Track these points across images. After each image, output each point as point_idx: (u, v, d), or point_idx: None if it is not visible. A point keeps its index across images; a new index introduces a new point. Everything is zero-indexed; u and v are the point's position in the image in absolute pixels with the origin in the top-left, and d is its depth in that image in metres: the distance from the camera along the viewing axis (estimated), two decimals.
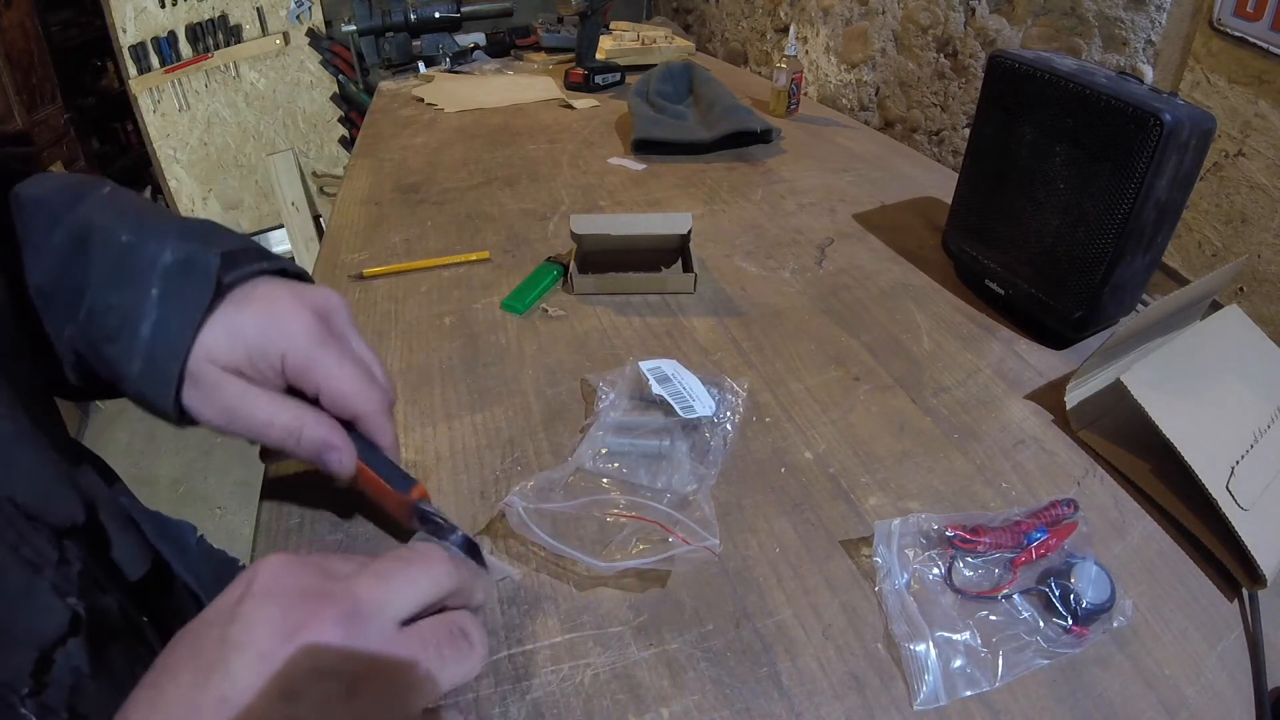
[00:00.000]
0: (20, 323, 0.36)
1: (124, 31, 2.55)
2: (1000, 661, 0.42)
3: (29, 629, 0.27)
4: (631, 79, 1.45)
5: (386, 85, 1.55)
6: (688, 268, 0.79)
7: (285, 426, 0.38)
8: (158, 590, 0.39)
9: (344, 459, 0.39)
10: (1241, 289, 1.14)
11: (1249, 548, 0.47)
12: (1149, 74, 1.22)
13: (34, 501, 0.30)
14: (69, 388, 0.39)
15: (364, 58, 1.69)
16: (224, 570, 0.49)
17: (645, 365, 0.60)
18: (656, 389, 0.58)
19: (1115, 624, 0.44)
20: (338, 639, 0.26)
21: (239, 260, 0.38)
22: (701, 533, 0.47)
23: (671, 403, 0.57)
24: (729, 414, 0.59)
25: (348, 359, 0.39)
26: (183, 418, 0.38)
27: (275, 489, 0.52)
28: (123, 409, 2.29)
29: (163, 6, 2.55)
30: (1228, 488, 0.49)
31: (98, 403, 2.34)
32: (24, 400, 0.33)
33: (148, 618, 0.37)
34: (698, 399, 0.57)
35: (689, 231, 0.77)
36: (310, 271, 0.52)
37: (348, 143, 2.88)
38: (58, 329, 0.36)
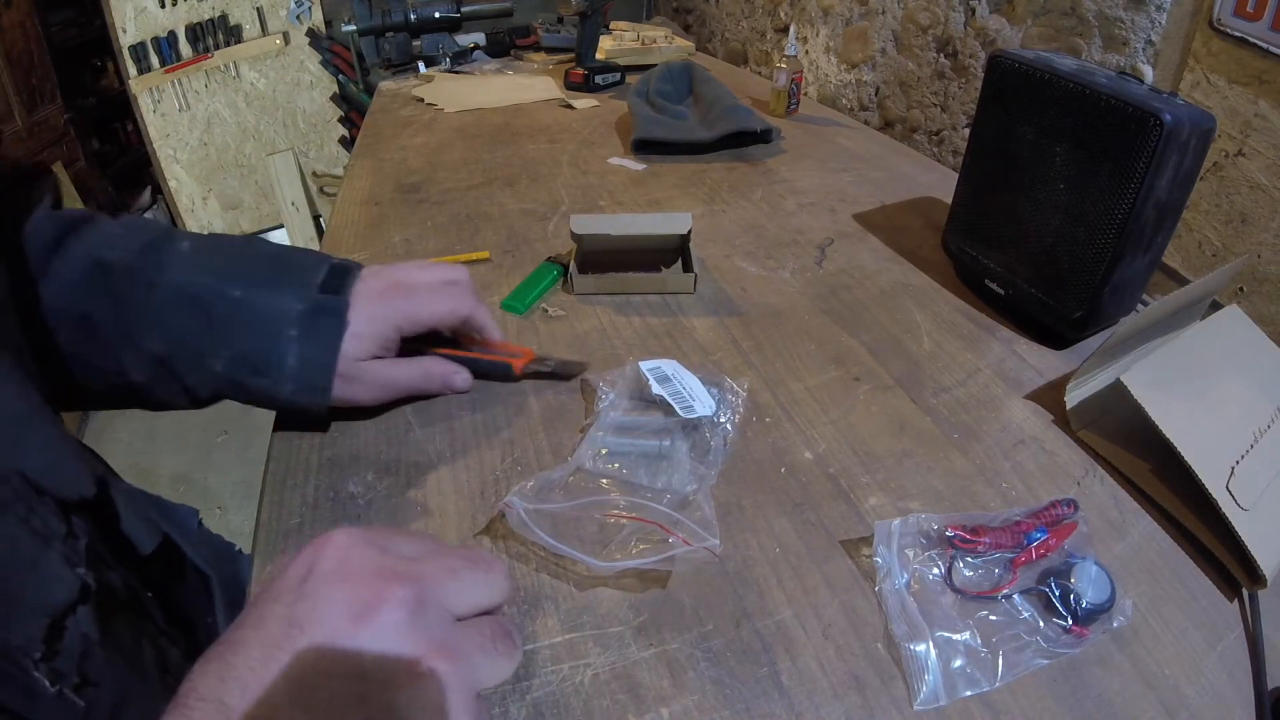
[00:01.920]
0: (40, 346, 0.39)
1: (124, 31, 2.55)
2: (1000, 661, 0.42)
3: (41, 596, 0.28)
4: (631, 79, 1.45)
5: (386, 85, 1.55)
6: (688, 268, 0.79)
7: (421, 376, 0.54)
8: (165, 567, 0.40)
9: (465, 377, 0.57)
10: (1241, 289, 1.14)
11: (1249, 548, 0.47)
12: (1149, 74, 1.22)
13: (43, 476, 0.30)
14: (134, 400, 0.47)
15: (364, 58, 1.69)
16: (223, 554, 0.50)
17: (645, 365, 0.60)
18: (656, 389, 0.58)
19: (1115, 624, 0.44)
20: (405, 619, 0.26)
21: (336, 282, 0.49)
22: (701, 533, 0.47)
23: (671, 403, 0.57)
24: (729, 414, 0.59)
25: (437, 294, 0.52)
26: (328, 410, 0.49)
27: (276, 488, 0.52)
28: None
29: (163, 6, 2.55)
30: (1228, 488, 0.49)
31: None
32: (36, 386, 0.34)
33: (152, 594, 0.38)
34: (698, 399, 0.57)
35: (689, 231, 0.77)
36: None
37: (348, 143, 2.88)
38: (187, 382, 0.44)
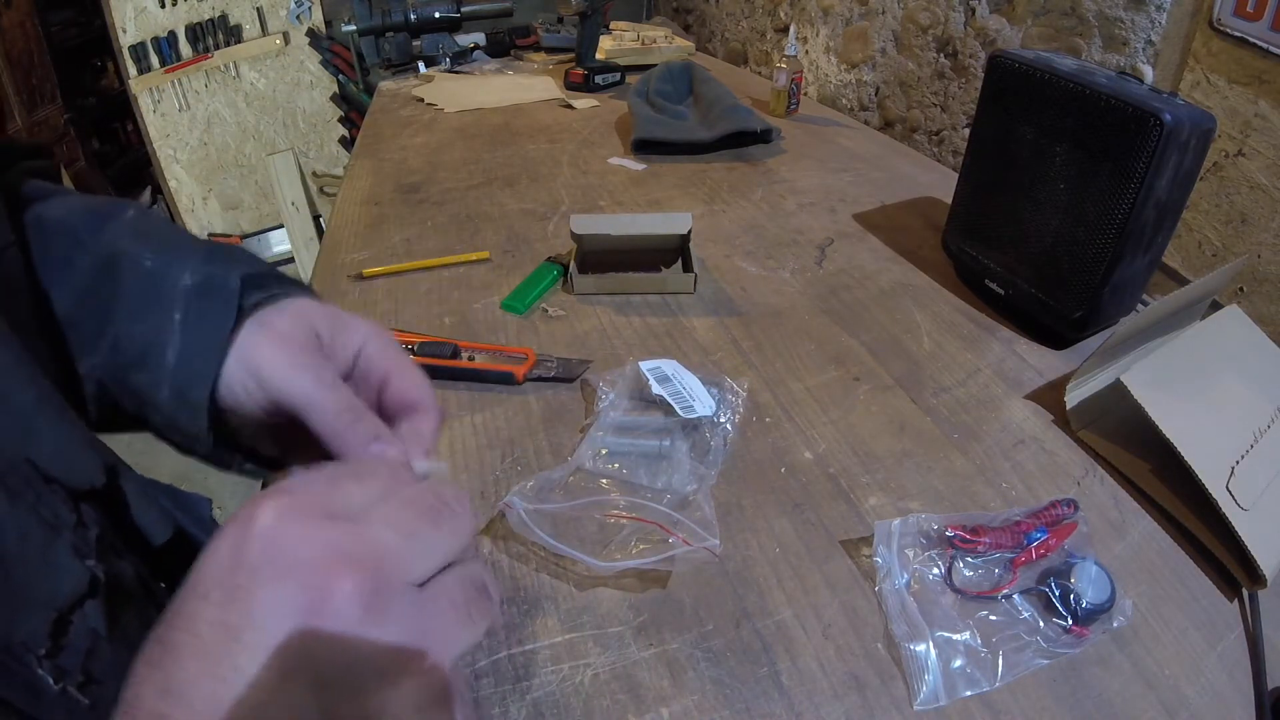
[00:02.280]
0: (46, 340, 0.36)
1: (124, 31, 2.55)
2: (1000, 661, 0.42)
3: (48, 589, 0.27)
4: (631, 79, 1.45)
5: (386, 85, 1.55)
6: (688, 268, 0.79)
7: (343, 408, 0.33)
8: (179, 559, 0.39)
9: (391, 451, 0.33)
10: (1241, 289, 1.14)
11: (1249, 548, 0.47)
12: (1149, 74, 1.22)
13: (53, 464, 0.30)
14: (88, 421, 0.37)
15: (364, 58, 1.69)
16: None
17: (645, 365, 0.60)
18: (656, 389, 0.58)
19: (1115, 624, 0.44)
20: (359, 614, 0.22)
21: (265, 282, 0.36)
22: (701, 533, 0.47)
23: (671, 403, 0.57)
24: (729, 414, 0.59)
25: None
26: (216, 446, 0.36)
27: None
28: None
29: (163, 6, 2.55)
30: (1228, 488, 0.49)
31: None
32: (47, 373, 0.33)
33: (165, 584, 0.37)
34: (698, 399, 0.57)
35: (689, 231, 0.77)
36: (310, 271, 0.51)
37: (348, 143, 2.88)
38: (80, 358, 0.36)
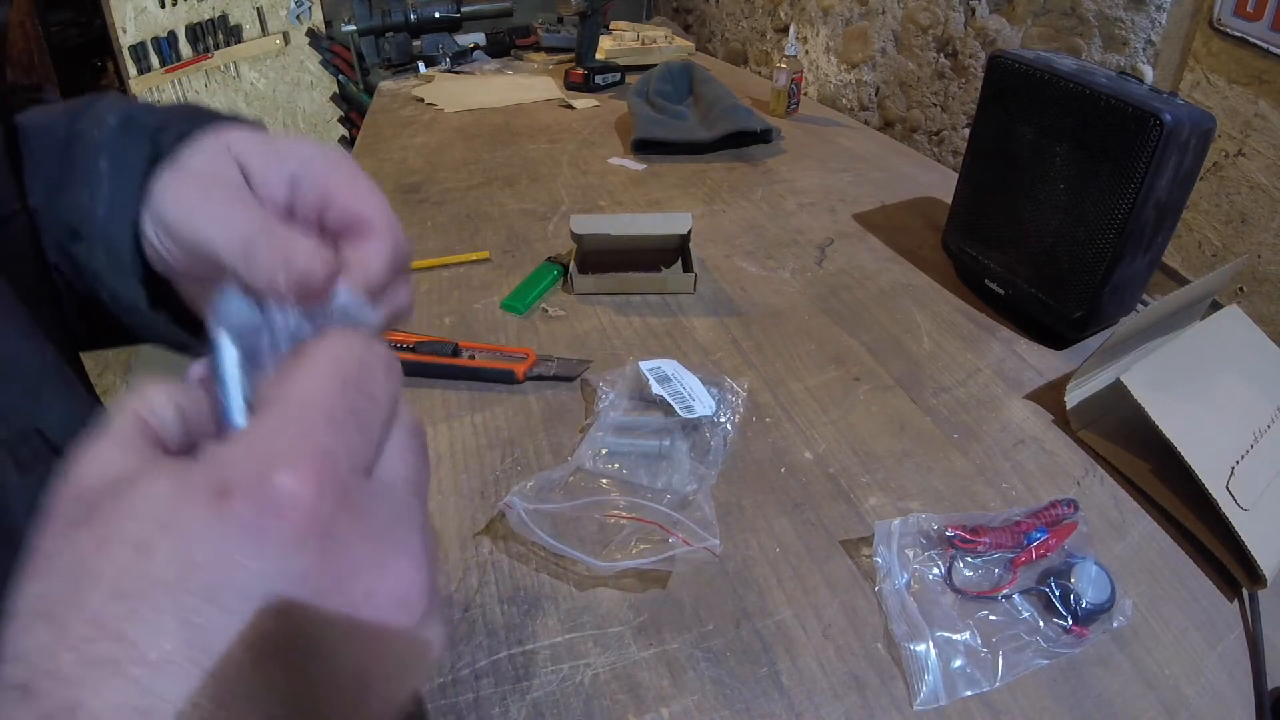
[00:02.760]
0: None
1: (124, 31, 2.55)
2: (1000, 661, 0.42)
3: None
4: (631, 79, 1.45)
5: (386, 85, 1.55)
6: (688, 268, 0.79)
7: (241, 240, 0.25)
8: None
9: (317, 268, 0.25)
10: (1241, 289, 1.14)
11: (1249, 548, 0.47)
12: (1149, 74, 1.22)
13: (61, 434, 0.29)
14: (83, 340, 0.35)
15: (364, 58, 1.69)
16: None
17: (645, 365, 0.60)
18: (656, 389, 0.58)
19: (1115, 624, 0.44)
20: (315, 563, 0.16)
21: (193, 119, 0.31)
22: (701, 533, 0.47)
23: (671, 403, 0.57)
24: (729, 414, 0.59)
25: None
26: (161, 318, 0.30)
27: None
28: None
29: (163, 6, 2.55)
30: (1228, 488, 0.49)
31: None
32: (54, 342, 0.32)
33: None
34: (698, 399, 0.57)
35: (689, 231, 0.77)
36: None
37: (348, 143, 2.88)
38: (50, 258, 0.32)
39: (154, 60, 2.62)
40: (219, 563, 0.16)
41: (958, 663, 0.42)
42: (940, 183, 1.04)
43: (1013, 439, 0.59)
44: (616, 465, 0.54)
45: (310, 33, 2.74)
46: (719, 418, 0.58)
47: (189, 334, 0.31)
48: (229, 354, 0.21)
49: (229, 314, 0.22)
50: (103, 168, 0.30)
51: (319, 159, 0.29)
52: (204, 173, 0.28)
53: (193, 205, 0.27)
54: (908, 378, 0.66)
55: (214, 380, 0.21)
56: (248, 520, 0.16)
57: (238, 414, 0.20)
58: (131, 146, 0.30)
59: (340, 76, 2.69)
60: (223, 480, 0.17)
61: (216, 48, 2.67)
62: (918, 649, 0.43)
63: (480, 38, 1.77)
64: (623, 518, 0.50)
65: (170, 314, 0.31)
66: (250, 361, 0.21)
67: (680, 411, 0.56)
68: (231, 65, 2.71)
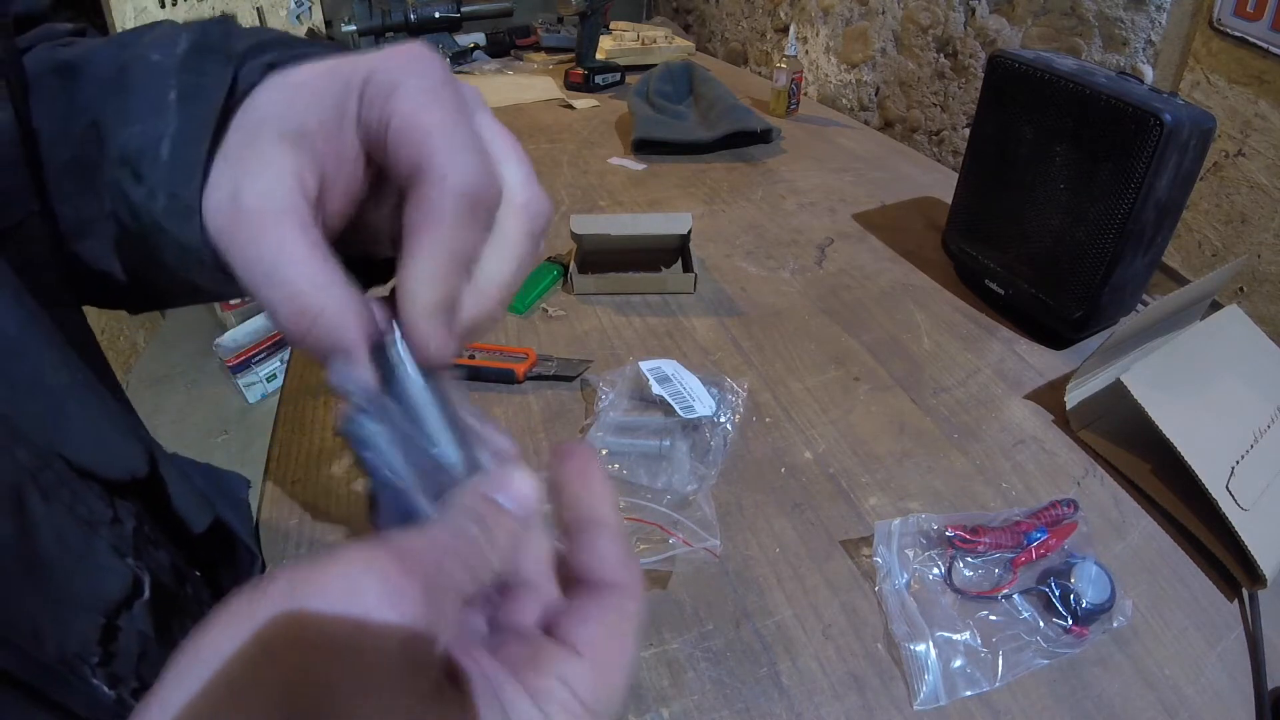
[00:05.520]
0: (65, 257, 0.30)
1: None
2: (1000, 661, 0.42)
3: (91, 592, 0.26)
4: (631, 79, 1.45)
5: None
6: (688, 268, 0.79)
7: (303, 300, 0.21)
8: (214, 545, 0.37)
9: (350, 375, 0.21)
10: (1241, 289, 1.14)
11: (1249, 548, 0.47)
12: (1149, 74, 1.22)
13: (89, 457, 0.28)
14: (122, 297, 0.31)
15: None
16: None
17: (645, 366, 0.60)
18: (657, 389, 0.58)
19: (1115, 624, 0.44)
20: None
21: (286, 39, 0.27)
22: (702, 533, 0.47)
23: (672, 403, 0.57)
24: (729, 414, 0.59)
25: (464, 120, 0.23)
26: (219, 267, 0.25)
27: (276, 487, 0.52)
28: None
29: (163, 7, 2.55)
30: (1228, 488, 0.49)
31: None
32: (78, 349, 0.30)
33: (199, 572, 0.35)
34: (698, 399, 0.57)
35: (689, 231, 0.77)
36: None
37: None
38: (90, 206, 0.28)
39: None
40: None
41: (958, 663, 0.42)
42: (940, 183, 1.04)
43: (1013, 439, 0.59)
44: (616, 465, 0.54)
45: (310, 33, 2.74)
46: (719, 418, 0.58)
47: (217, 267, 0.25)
48: (377, 441, 0.20)
49: (346, 384, 0.20)
50: (171, 100, 0.26)
51: (391, 86, 0.22)
52: (308, 87, 0.23)
53: (235, 232, 0.23)
54: (908, 378, 0.66)
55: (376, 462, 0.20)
56: None
57: (424, 505, 0.20)
58: (207, 75, 0.25)
59: None
60: None
61: None
62: (918, 649, 0.43)
63: (480, 38, 1.77)
64: (623, 518, 0.50)
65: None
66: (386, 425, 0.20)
67: (680, 412, 0.56)
68: None
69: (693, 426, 0.57)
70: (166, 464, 0.32)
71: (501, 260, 0.24)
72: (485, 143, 0.23)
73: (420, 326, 0.21)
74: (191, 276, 0.27)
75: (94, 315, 0.41)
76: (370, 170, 0.24)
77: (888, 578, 0.46)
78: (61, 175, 0.28)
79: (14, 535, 0.24)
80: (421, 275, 0.21)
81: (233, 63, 0.26)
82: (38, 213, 0.30)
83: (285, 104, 0.24)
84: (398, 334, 0.21)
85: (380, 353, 0.21)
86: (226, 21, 0.29)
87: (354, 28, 1.62)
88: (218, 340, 2.02)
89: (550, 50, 1.70)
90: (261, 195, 0.22)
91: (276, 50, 0.27)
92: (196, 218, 0.24)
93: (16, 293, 0.27)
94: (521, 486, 0.20)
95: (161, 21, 0.31)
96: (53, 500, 0.26)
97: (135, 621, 0.27)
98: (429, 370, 0.21)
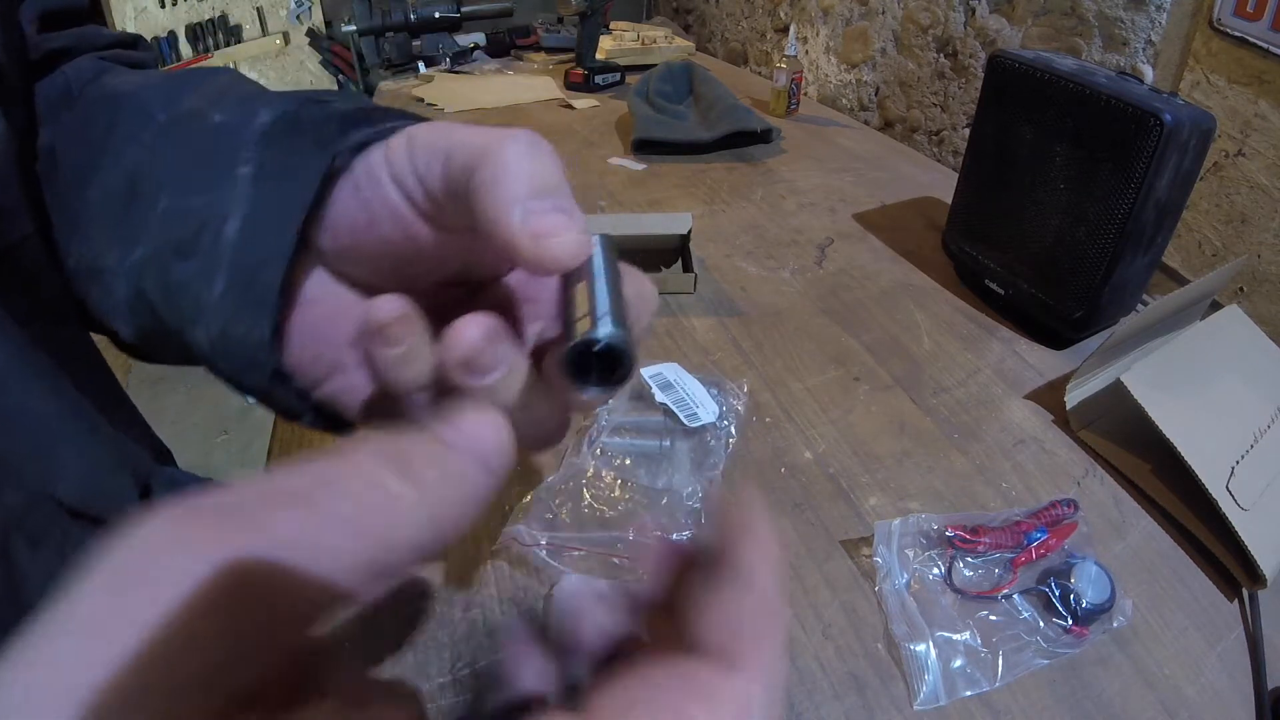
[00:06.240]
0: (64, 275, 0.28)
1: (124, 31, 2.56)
2: (1000, 661, 0.42)
3: None
4: (631, 79, 1.44)
5: (386, 85, 1.55)
6: (688, 268, 0.79)
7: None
8: None
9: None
10: (1241, 289, 1.14)
11: (1249, 548, 0.47)
12: (1149, 74, 1.22)
13: (80, 495, 0.27)
14: (121, 343, 0.29)
15: (364, 58, 1.69)
16: None
17: (647, 372, 0.60)
18: (660, 396, 0.58)
19: (1115, 624, 0.44)
20: None
21: (372, 117, 0.24)
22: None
23: (675, 410, 0.57)
24: (729, 415, 0.59)
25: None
26: (281, 377, 0.23)
27: None
28: None
29: (163, 6, 2.55)
30: (1228, 488, 0.49)
31: None
32: (70, 369, 0.28)
33: None
34: (701, 405, 0.57)
35: (689, 231, 0.77)
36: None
37: None
38: (113, 254, 0.25)
39: None
40: None
41: (958, 663, 0.42)
42: (940, 183, 1.04)
43: (1013, 439, 0.59)
44: (616, 466, 0.54)
45: (310, 33, 2.74)
46: (721, 423, 0.58)
47: (297, 398, 0.24)
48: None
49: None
50: (243, 175, 0.23)
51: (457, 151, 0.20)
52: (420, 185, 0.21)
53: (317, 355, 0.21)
54: (908, 378, 0.66)
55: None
56: None
57: None
58: (297, 154, 0.23)
59: (340, 76, 2.69)
60: None
61: (216, 48, 2.66)
62: (918, 649, 0.43)
63: (480, 38, 1.77)
64: (626, 559, 0.50)
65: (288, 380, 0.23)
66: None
67: (685, 420, 0.56)
68: (231, 65, 2.71)
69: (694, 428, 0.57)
70: (162, 490, 0.31)
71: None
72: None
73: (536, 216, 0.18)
74: (231, 368, 0.24)
75: None
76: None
77: (888, 578, 0.46)
78: (82, 212, 0.26)
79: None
80: (505, 180, 0.18)
81: (320, 141, 0.23)
82: (34, 234, 0.28)
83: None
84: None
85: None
86: (328, 96, 0.26)
87: (354, 28, 1.62)
88: None
89: (550, 50, 1.70)
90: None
91: (356, 127, 0.23)
92: (270, 307, 0.22)
93: (0, 323, 0.26)
94: (476, 427, 0.16)
95: (223, 71, 0.29)
96: (42, 545, 0.25)
97: None
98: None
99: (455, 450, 0.15)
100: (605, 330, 0.18)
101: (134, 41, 0.34)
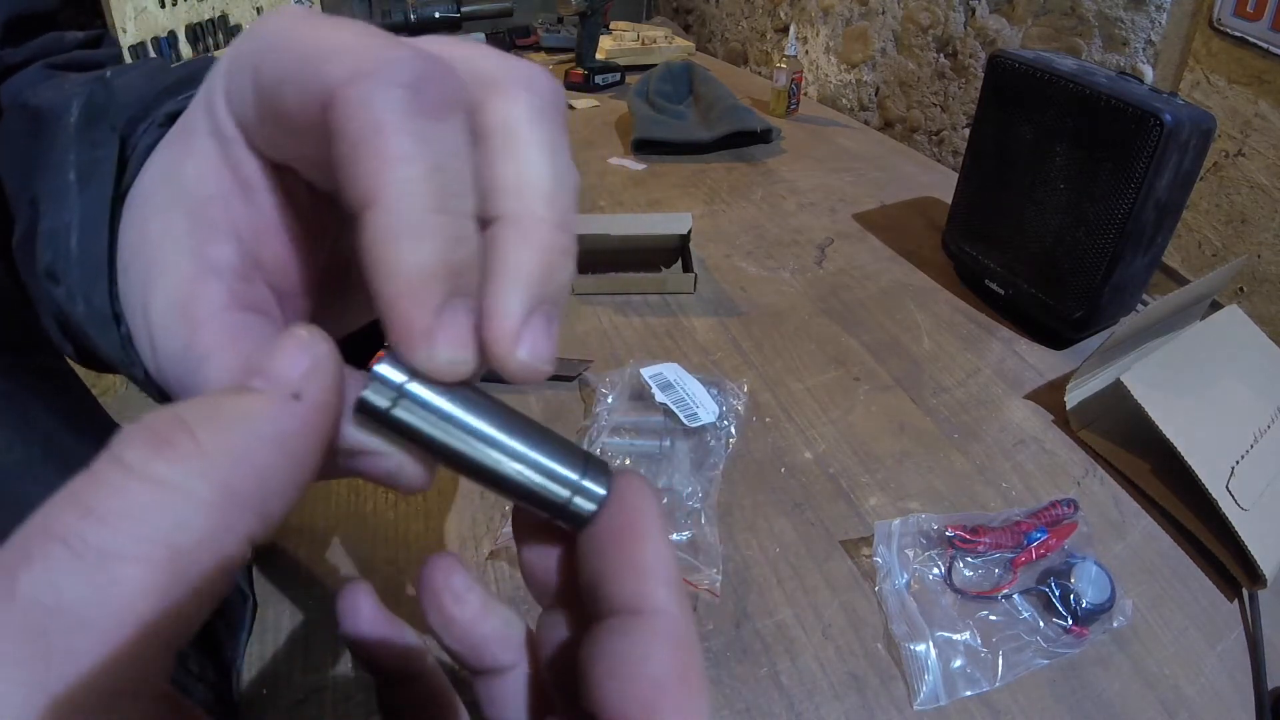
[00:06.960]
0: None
1: (124, 31, 2.55)
2: (1000, 661, 0.42)
3: None
4: (631, 79, 1.44)
5: None
6: (688, 268, 0.79)
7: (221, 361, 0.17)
8: None
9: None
10: (1241, 289, 1.14)
11: (1249, 548, 0.47)
12: (1149, 74, 1.22)
13: None
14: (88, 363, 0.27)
15: None
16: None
17: (647, 372, 0.60)
18: (660, 397, 0.58)
19: (1115, 624, 0.44)
20: None
21: (182, 86, 0.21)
22: (703, 568, 0.47)
23: (676, 411, 0.57)
24: (729, 415, 0.59)
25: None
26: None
27: None
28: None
29: (163, 6, 2.55)
30: (1228, 488, 0.49)
31: None
32: (44, 399, 0.27)
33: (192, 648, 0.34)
34: (701, 405, 0.57)
35: (689, 231, 0.77)
36: None
37: None
38: (31, 285, 0.23)
39: None
40: None
41: (958, 663, 0.42)
42: (940, 183, 1.04)
43: (1013, 439, 0.59)
44: (616, 466, 0.54)
45: None
46: (721, 423, 0.58)
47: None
48: None
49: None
50: (71, 180, 0.20)
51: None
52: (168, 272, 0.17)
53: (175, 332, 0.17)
54: (908, 378, 0.66)
55: None
56: None
57: None
58: (100, 148, 0.20)
59: None
60: None
61: (217, 48, 2.66)
62: (918, 649, 0.43)
63: (480, 38, 1.77)
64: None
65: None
66: None
67: (685, 420, 0.56)
68: None
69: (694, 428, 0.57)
70: None
71: (521, 162, 0.16)
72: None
73: (399, 309, 0.14)
74: (131, 376, 0.22)
75: None
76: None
77: (888, 578, 0.46)
78: (20, 240, 0.23)
79: None
80: (381, 227, 0.13)
81: (117, 131, 0.20)
82: None
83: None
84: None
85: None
86: (117, 72, 0.23)
87: None
88: None
89: (550, 50, 1.70)
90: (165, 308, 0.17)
91: (174, 94, 0.21)
92: (114, 329, 0.20)
93: None
94: (285, 359, 0.13)
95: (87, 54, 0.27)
96: None
97: None
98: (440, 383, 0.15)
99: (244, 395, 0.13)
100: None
101: (98, 40, 0.31)
